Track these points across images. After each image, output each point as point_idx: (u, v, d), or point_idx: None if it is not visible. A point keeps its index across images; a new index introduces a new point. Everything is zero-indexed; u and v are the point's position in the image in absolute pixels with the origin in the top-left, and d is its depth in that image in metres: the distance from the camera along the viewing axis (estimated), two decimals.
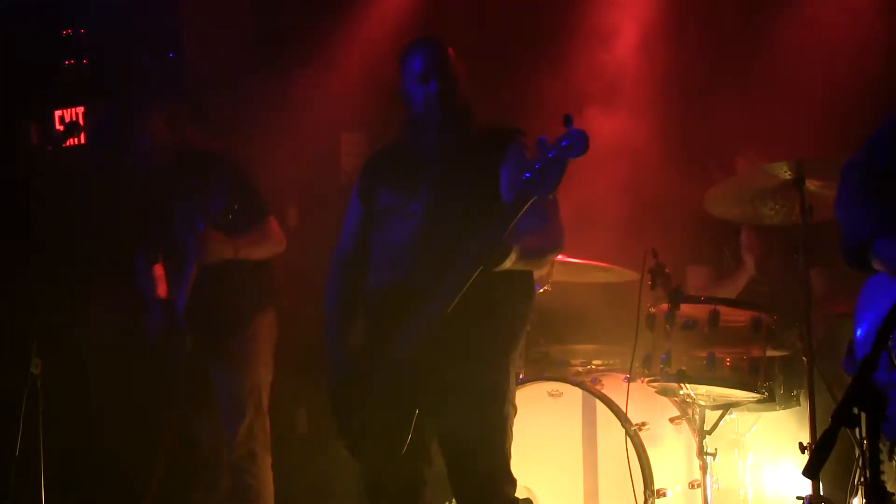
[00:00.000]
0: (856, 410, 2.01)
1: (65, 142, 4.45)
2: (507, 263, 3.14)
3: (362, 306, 3.57)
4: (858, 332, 2.85)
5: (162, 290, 4.25)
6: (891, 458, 2.87)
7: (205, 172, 4.11)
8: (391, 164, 3.64)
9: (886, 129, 2.91)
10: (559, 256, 3.91)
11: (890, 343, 2.64)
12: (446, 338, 3.23)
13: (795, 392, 4.35)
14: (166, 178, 4.16)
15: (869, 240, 2.77)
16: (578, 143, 2.93)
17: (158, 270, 4.27)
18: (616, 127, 4.92)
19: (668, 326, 4.26)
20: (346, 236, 3.70)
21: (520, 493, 3.71)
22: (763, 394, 4.26)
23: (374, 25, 5.53)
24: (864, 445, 3.54)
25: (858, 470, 4.07)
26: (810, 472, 2.14)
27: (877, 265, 2.74)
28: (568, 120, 2.97)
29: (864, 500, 4.14)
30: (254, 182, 4.19)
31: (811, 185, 4.16)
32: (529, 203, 3.00)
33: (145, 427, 4.56)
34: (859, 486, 4.09)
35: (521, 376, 3.81)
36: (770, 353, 4.32)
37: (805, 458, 4.04)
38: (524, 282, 3.48)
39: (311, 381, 4.94)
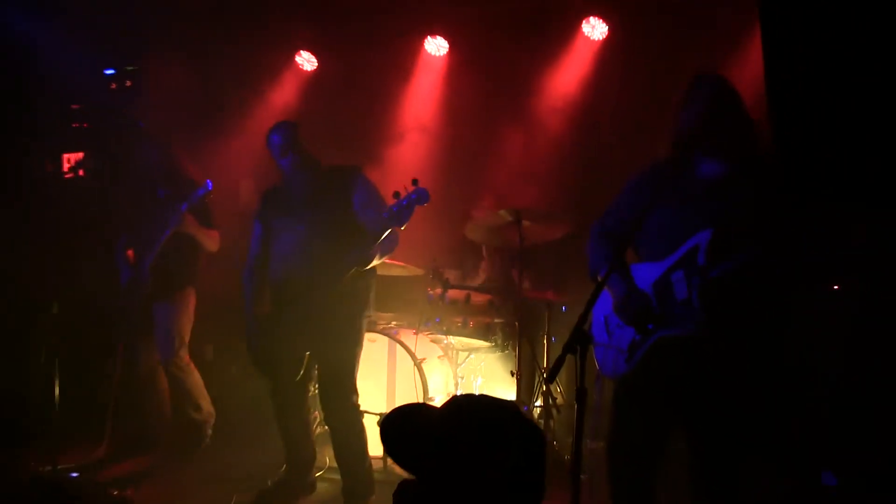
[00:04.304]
0: (575, 345, 2.54)
1: (70, 174, 5.88)
2: (373, 263, 4.25)
3: (268, 289, 4.53)
4: (595, 319, 3.54)
5: (130, 258, 5.52)
6: (596, 382, 3.70)
7: (192, 184, 5.40)
8: (280, 198, 4.62)
9: (619, 201, 3.49)
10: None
11: (603, 319, 3.47)
12: (326, 308, 4.23)
13: (507, 343, 5.69)
14: (158, 186, 5.42)
15: (598, 270, 3.46)
16: (424, 196, 3.82)
17: (129, 251, 5.57)
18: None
19: (440, 302, 5.62)
20: (253, 245, 4.70)
21: None
22: (492, 343, 5.61)
23: (265, 109, 6.90)
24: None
25: (538, 381, 5.70)
26: (550, 378, 2.67)
27: (608, 288, 3.35)
28: (415, 181, 3.87)
29: (542, 401, 5.52)
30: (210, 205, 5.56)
31: (525, 223, 5.46)
32: (388, 231, 4.00)
33: (107, 353, 5.72)
34: (538, 392, 5.70)
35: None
36: (497, 320, 5.66)
37: (513, 380, 5.45)
38: (365, 280, 4.42)
39: (214, 325, 6.18)
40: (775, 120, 2.94)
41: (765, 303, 3.14)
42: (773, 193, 3.13)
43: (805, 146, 3.00)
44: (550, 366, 5.06)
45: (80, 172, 6.40)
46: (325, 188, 4.45)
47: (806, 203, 3.03)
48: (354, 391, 4.51)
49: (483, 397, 2.15)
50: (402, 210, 3.80)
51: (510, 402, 2.18)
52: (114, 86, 6.53)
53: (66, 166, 6.41)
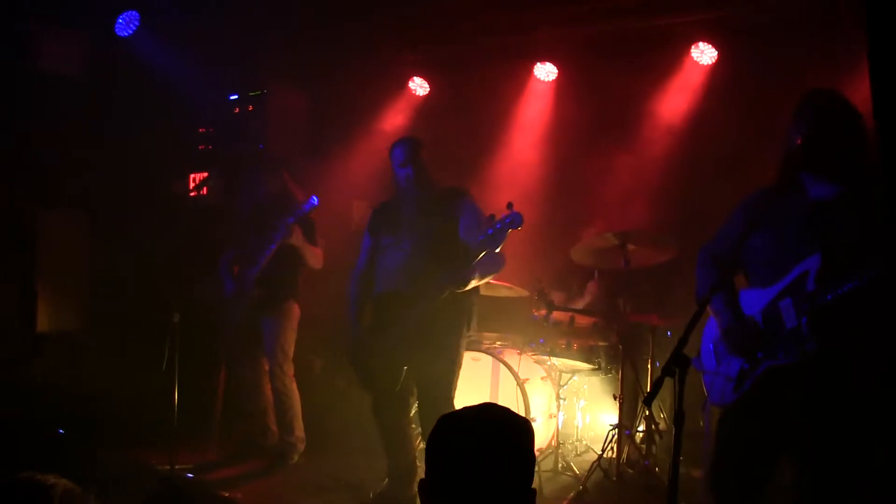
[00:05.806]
0: (673, 367, 2.50)
1: (195, 192, 6.14)
2: (471, 285, 4.31)
3: (371, 303, 4.65)
4: (704, 347, 3.49)
5: (234, 273, 5.73)
6: (704, 409, 3.39)
7: (296, 202, 5.56)
8: (389, 215, 4.72)
9: (728, 226, 3.41)
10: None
11: (712, 347, 3.39)
12: (425, 324, 4.34)
13: (610, 366, 5.75)
14: (271, 206, 5.65)
15: (708, 295, 3.25)
16: (517, 220, 3.89)
17: (235, 267, 5.79)
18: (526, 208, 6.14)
19: (545, 324, 5.72)
20: (362, 259, 4.78)
21: None
22: (596, 366, 5.66)
23: (377, 132, 7.17)
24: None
25: (640, 406, 5.72)
26: (648, 401, 2.77)
27: (711, 312, 3.33)
28: (510, 205, 3.93)
29: (645, 425, 5.61)
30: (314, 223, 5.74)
31: (630, 246, 5.47)
32: (483, 254, 4.06)
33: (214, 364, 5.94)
34: (641, 416, 5.74)
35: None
36: (600, 343, 5.75)
37: (615, 403, 5.46)
38: (466, 300, 4.49)
39: (323, 340, 6.35)
40: (883, 139, 2.72)
41: (876, 328, 3.03)
42: (883, 216, 2.99)
43: None
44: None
45: (204, 191, 6.70)
46: (433, 211, 4.55)
47: None
48: (452, 407, 4.50)
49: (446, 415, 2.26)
50: (496, 233, 3.91)
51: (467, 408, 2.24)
52: (237, 110, 6.80)
53: (191, 185, 6.72)
